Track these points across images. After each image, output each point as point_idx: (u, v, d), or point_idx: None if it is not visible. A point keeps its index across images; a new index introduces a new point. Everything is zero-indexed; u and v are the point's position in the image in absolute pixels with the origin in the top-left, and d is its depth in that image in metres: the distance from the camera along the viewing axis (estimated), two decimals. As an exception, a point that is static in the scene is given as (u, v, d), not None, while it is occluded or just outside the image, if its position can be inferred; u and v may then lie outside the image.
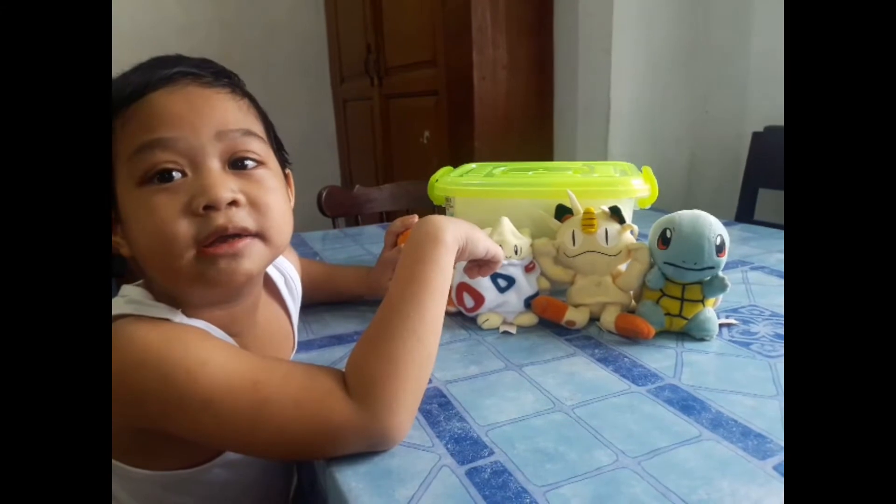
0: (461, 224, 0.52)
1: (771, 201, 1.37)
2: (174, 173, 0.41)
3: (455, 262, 0.50)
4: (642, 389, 0.52)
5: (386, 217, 1.40)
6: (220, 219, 0.41)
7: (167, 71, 0.43)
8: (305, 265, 0.80)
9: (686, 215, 0.60)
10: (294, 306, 0.62)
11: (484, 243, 0.54)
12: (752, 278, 0.79)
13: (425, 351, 0.44)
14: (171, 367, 0.38)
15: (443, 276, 0.47)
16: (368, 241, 1.11)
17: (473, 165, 0.87)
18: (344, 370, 0.44)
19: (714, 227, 0.59)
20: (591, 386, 0.53)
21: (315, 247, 1.07)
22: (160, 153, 0.41)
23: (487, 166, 0.85)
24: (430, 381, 0.54)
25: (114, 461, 0.44)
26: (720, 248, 0.59)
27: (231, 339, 0.47)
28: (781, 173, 1.22)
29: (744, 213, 1.38)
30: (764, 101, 1.43)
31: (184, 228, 0.41)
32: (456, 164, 1.72)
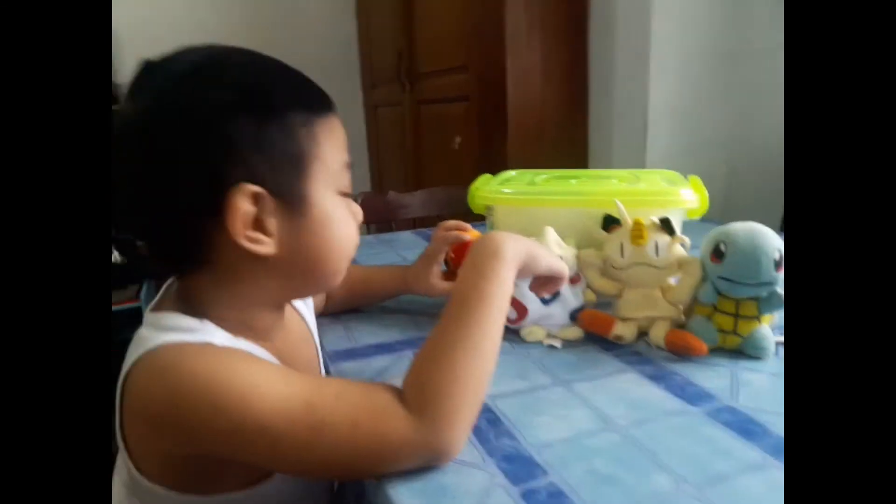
0: (522, 240, 0.52)
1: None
2: None
3: (516, 278, 0.50)
4: (698, 410, 0.50)
5: (418, 223, 1.40)
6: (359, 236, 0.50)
7: (330, 99, 0.49)
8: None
9: (741, 228, 0.58)
10: (306, 310, 0.61)
11: (546, 260, 0.54)
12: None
13: (486, 366, 0.44)
14: (224, 394, 0.38)
15: (503, 292, 0.47)
16: (403, 248, 1.10)
17: (513, 173, 0.86)
18: (402, 385, 0.43)
19: (772, 240, 0.57)
20: (644, 405, 0.51)
21: (350, 253, 1.07)
22: (348, 174, 0.49)
23: (528, 174, 0.84)
24: (478, 395, 0.53)
25: (165, 490, 0.43)
26: (778, 264, 0.56)
27: (272, 357, 0.47)
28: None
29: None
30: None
31: (357, 235, 0.50)
32: (488, 171, 1.72)
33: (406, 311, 0.76)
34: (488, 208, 0.74)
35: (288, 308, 0.57)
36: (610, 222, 0.66)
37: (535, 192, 0.71)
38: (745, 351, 0.60)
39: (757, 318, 0.59)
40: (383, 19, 2.24)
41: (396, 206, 1.35)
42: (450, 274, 0.71)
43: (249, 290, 0.46)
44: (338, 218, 0.47)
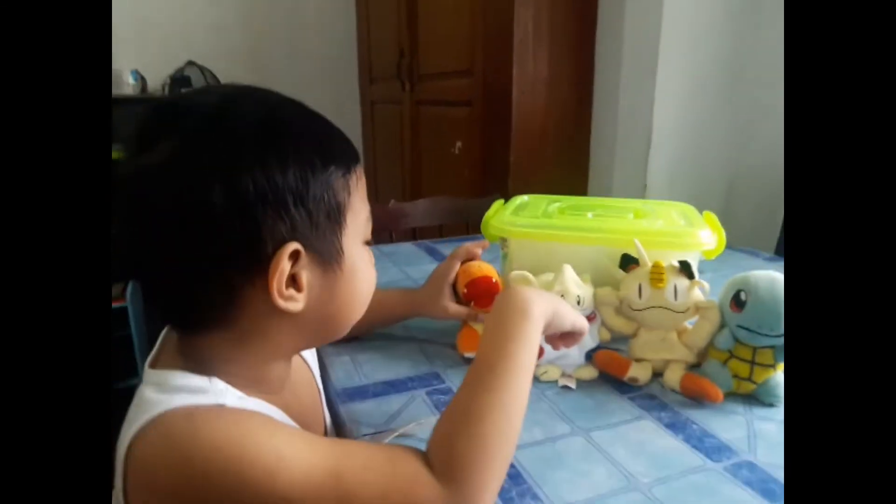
0: (548, 298, 0.51)
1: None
2: None
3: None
4: (718, 466, 0.50)
5: (419, 233, 1.38)
6: None
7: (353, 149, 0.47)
8: None
9: (763, 277, 0.58)
10: (308, 351, 0.59)
11: (570, 317, 0.53)
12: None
13: (514, 429, 0.43)
14: (248, 466, 0.36)
15: (530, 353, 0.46)
16: (405, 262, 1.09)
17: (526, 198, 0.85)
18: (428, 448, 0.42)
19: (793, 292, 0.57)
20: (665, 459, 0.50)
21: (353, 267, 1.06)
22: (370, 224, 0.48)
23: (541, 200, 0.83)
24: (496, 445, 0.52)
25: None
26: (799, 315, 0.56)
27: (284, 415, 0.45)
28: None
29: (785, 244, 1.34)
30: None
31: (375, 282, 0.49)
32: (488, 178, 1.71)
33: (414, 338, 0.75)
34: (502, 239, 0.73)
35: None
36: (628, 262, 0.65)
37: (552, 225, 0.70)
38: (758, 397, 0.60)
39: (773, 366, 0.59)
40: (385, 14, 2.20)
41: (398, 216, 1.34)
42: (460, 302, 0.70)
43: (268, 346, 0.44)
44: (363, 268, 0.46)
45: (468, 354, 0.67)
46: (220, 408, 0.39)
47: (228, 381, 0.42)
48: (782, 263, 1.06)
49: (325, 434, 0.56)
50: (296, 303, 0.41)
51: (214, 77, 2.19)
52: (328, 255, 0.42)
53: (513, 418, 0.43)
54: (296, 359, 0.55)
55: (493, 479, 0.41)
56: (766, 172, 1.53)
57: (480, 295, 0.66)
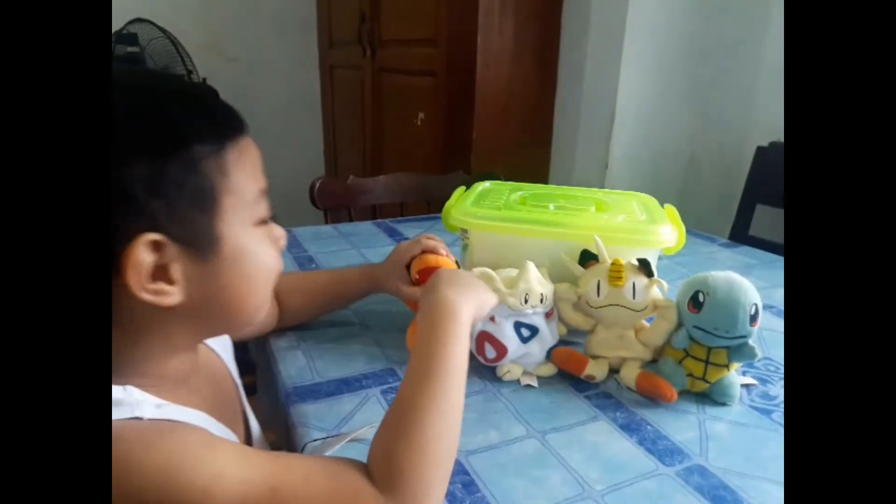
0: (472, 294, 0.52)
1: (768, 218, 1.36)
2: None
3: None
4: (670, 471, 0.50)
5: (379, 210, 1.35)
6: (282, 261, 0.47)
7: (240, 116, 0.43)
8: (302, 278, 0.76)
9: (721, 280, 0.58)
10: (216, 341, 0.56)
11: (490, 305, 0.56)
12: (762, 322, 0.77)
13: (453, 434, 0.43)
14: (184, 491, 0.34)
15: (463, 354, 0.47)
16: (364, 244, 1.06)
17: (488, 184, 0.83)
18: (368, 460, 0.41)
19: (749, 294, 0.57)
20: (618, 464, 0.51)
21: (309, 248, 1.02)
22: (265, 201, 0.44)
23: (503, 189, 0.81)
24: (451, 450, 0.51)
25: None
26: (754, 318, 0.57)
27: (209, 418, 0.44)
28: (782, 191, 1.21)
29: (740, 228, 1.37)
30: (772, 115, 1.41)
31: (279, 264, 0.46)
32: (451, 151, 1.67)
33: (370, 329, 0.73)
34: (463, 230, 0.70)
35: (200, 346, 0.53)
36: (588, 258, 0.65)
37: (513, 218, 0.68)
38: (711, 396, 0.61)
39: (726, 365, 0.59)
40: (345, -25, 2.10)
41: (357, 193, 1.30)
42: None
43: (159, 342, 0.42)
44: (253, 251, 0.43)
45: None
46: (149, 426, 0.37)
47: (143, 387, 0.40)
48: (736, 251, 1.08)
49: (247, 430, 0.55)
50: (169, 296, 0.38)
51: (165, 34, 2.05)
52: (200, 243, 0.39)
53: (450, 422, 0.43)
54: (204, 351, 0.53)
55: (436, 486, 0.41)
56: (725, 154, 1.55)
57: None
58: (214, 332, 0.49)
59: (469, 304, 0.50)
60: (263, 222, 0.44)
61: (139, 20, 2.00)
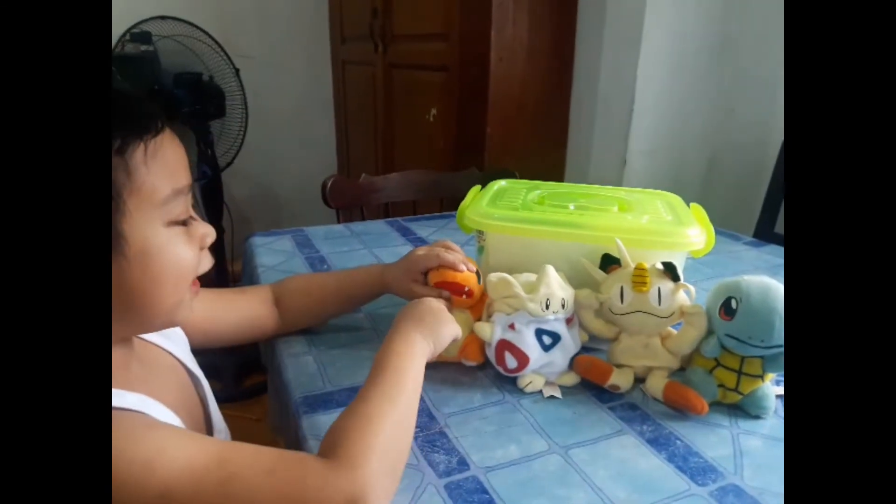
0: (429, 330, 0.55)
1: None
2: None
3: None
4: (703, 491, 0.47)
5: (391, 208, 1.32)
6: (207, 260, 0.47)
7: (156, 114, 0.42)
8: (307, 280, 0.73)
9: (755, 284, 0.54)
10: (163, 339, 0.55)
11: (450, 338, 0.57)
12: (794, 326, 0.74)
13: (398, 415, 0.45)
14: (126, 465, 0.35)
15: (416, 378, 0.50)
16: (376, 243, 1.04)
17: (504, 184, 0.80)
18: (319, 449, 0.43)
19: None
20: (647, 482, 0.47)
21: (321, 248, 1.00)
22: (184, 199, 0.44)
23: (521, 188, 0.78)
24: (468, 467, 0.48)
25: None
26: (791, 326, 0.53)
27: (166, 409, 0.44)
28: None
29: (765, 225, 1.32)
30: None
31: (195, 263, 0.46)
32: (463, 148, 1.64)
33: (383, 334, 0.70)
34: (478, 232, 0.68)
35: (141, 343, 0.52)
36: (609, 262, 0.61)
37: (531, 219, 0.65)
38: (744, 408, 0.57)
39: (761, 376, 0.56)
40: (356, -30, 2.07)
41: (369, 191, 1.27)
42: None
43: None
44: (160, 251, 0.42)
45: (468, 362, 0.62)
46: None
47: None
48: (763, 249, 1.03)
49: (210, 428, 0.55)
50: None
51: (196, 28, 2.02)
52: None
53: (398, 405, 0.46)
54: (155, 350, 0.53)
55: (375, 453, 0.41)
56: (747, 149, 1.50)
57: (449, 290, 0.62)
58: (133, 330, 0.48)
59: (426, 341, 0.53)
60: (181, 222, 0.44)
61: (162, 18, 1.98)
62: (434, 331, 0.55)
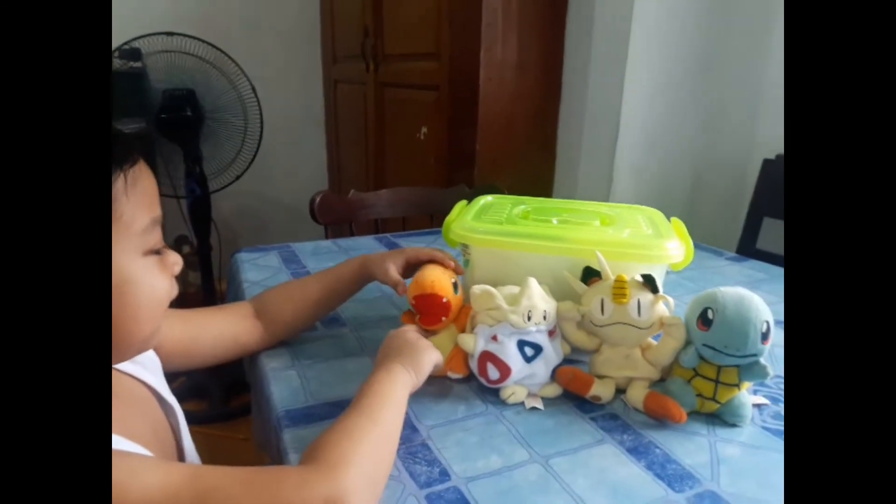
0: (411, 366, 0.55)
1: (775, 231, 1.33)
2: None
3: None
4: (681, 497, 0.48)
5: (381, 225, 1.33)
6: (175, 287, 0.48)
7: (133, 144, 0.43)
8: (289, 286, 0.72)
9: (730, 296, 0.56)
10: (133, 366, 0.53)
11: (430, 366, 0.58)
12: (773, 339, 0.74)
13: (380, 433, 0.46)
14: None
15: (399, 404, 0.52)
16: (365, 259, 1.04)
17: (489, 198, 0.81)
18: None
19: (760, 311, 0.55)
20: (626, 490, 0.48)
21: (307, 264, 1.01)
22: (159, 229, 0.45)
23: (506, 202, 0.79)
24: (449, 477, 0.49)
25: None
26: (765, 335, 0.54)
27: (127, 443, 0.42)
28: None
29: (747, 241, 1.35)
30: (778, 128, 1.39)
31: (170, 291, 0.47)
32: (454, 166, 1.66)
33: (368, 346, 0.71)
34: (463, 245, 0.69)
35: (114, 374, 0.50)
36: (590, 275, 0.63)
37: (515, 233, 0.66)
38: (721, 417, 0.58)
39: (737, 385, 0.57)
40: (348, -9, 2.11)
41: (358, 207, 1.28)
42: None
43: None
44: (138, 282, 0.43)
45: (453, 375, 0.63)
46: None
47: None
48: (744, 265, 1.05)
49: (182, 458, 0.55)
50: None
51: (208, 45, 2.04)
52: None
53: (380, 424, 0.47)
54: (122, 379, 0.51)
55: (355, 460, 0.42)
56: (731, 166, 1.53)
57: (426, 312, 0.62)
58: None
59: (406, 371, 0.54)
60: (156, 251, 0.44)
61: (168, 33, 2.00)
62: (413, 360, 0.56)
